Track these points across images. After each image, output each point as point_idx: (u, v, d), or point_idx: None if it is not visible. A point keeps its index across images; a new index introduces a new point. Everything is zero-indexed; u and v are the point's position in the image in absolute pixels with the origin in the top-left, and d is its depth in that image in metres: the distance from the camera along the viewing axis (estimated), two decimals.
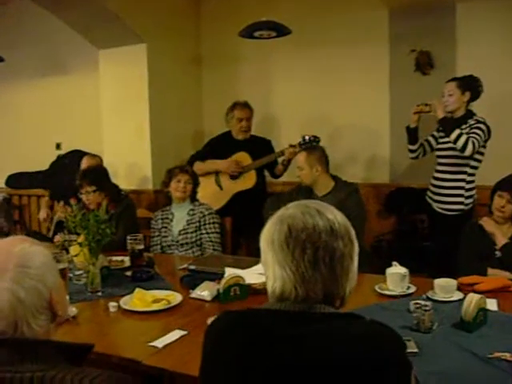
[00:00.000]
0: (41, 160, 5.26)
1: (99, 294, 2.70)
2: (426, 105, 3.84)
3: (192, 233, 3.61)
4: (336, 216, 1.34)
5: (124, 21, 4.30)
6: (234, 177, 4.31)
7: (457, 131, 3.68)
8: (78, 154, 4.78)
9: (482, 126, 3.68)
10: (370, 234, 4.60)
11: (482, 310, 2.16)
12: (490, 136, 3.72)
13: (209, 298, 2.54)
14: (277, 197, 3.88)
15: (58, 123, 5.62)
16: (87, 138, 5.10)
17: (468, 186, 3.80)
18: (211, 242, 3.58)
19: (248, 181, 4.26)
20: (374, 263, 4.48)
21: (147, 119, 4.63)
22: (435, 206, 3.94)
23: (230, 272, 2.70)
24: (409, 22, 4.48)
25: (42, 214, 4.76)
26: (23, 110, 5.88)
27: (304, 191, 3.72)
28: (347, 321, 1.30)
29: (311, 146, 4.04)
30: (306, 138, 4.12)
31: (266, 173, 4.47)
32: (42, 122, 5.76)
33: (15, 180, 5.64)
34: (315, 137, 4.12)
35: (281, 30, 4.12)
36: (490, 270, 3.06)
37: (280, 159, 4.28)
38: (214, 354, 1.35)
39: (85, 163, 4.35)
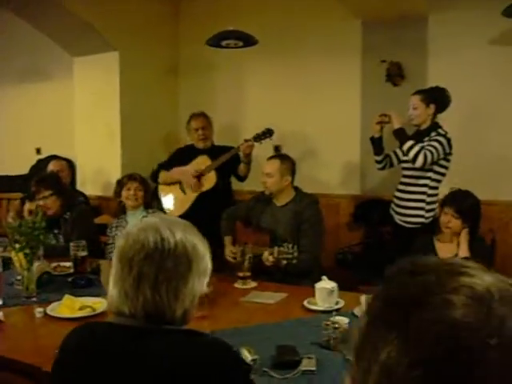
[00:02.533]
0: (22, 164, 5.32)
1: (34, 299, 2.72)
2: (385, 115, 3.84)
3: None
4: (176, 234, 1.33)
5: (97, 29, 4.36)
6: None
7: (409, 143, 3.66)
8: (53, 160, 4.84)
9: (440, 138, 3.63)
10: (339, 246, 4.58)
11: None
12: (450, 149, 3.68)
13: None
14: (235, 207, 3.86)
15: (38, 128, 5.69)
16: (64, 143, 5.14)
17: (429, 200, 3.76)
18: None
19: (208, 182, 4.26)
20: (338, 276, 4.48)
21: (118, 126, 4.68)
22: (397, 218, 3.91)
23: None
24: (381, 33, 4.47)
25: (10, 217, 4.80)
26: (5, 115, 5.96)
27: (262, 201, 3.69)
28: (177, 338, 1.29)
29: (265, 137, 4.07)
30: (260, 131, 4.11)
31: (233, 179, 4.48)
32: (22, 127, 5.84)
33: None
34: (268, 129, 4.10)
35: (247, 40, 4.15)
36: None
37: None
38: (61, 370, 1.36)
39: (50, 168, 4.40)
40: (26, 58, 5.67)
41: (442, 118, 3.99)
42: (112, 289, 1.34)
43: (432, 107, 3.73)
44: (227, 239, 3.69)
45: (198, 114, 4.48)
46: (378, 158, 4.03)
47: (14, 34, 5.47)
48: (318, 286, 2.60)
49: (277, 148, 4.86)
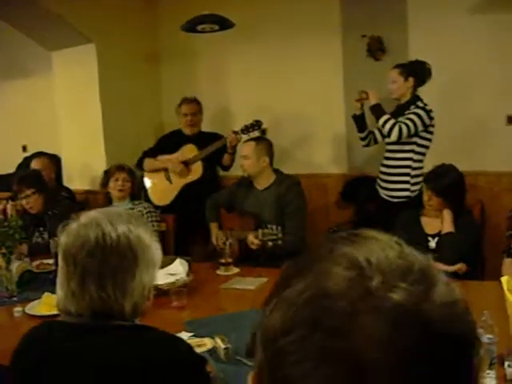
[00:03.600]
0: (8, 163, 5.28)
1: (14, 299, 2.71)
2: (364, 92, 3.82)
3: None
4: (119, 227, 1.30)
5: (69, 22, 4.27)
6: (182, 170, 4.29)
7: (384, 117, 3.66)
8: (43, 156, 4.81)
9: (418, 111, 3.60)
10: (328, 225, 4.54)
11: None
12: (431, 121, 3.63)
13: None
14: (217, 194, 3.84)
15: (23, 125, 5.64)
16: (50, 139, 5.09)
17: (414, 173, 3.73)
18: None
19: (194, 172, 4.24)
20: None
21: (100, 119, 4.61)
22: (382, 193, 3.90)
23: None
24: (360, 8, 4.39)
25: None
26: None
27: (244, 185, 3.68)
28: (122, 334, 1.26)
29: (253, 129, 4.05)
30: (248, 123, 4.07)
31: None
32: (7, 125, 5.78)
33: None
34: (257, 121, 4.09)
35: (223, 24, 4.08)
36: None
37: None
38: (14, 370, 1.35)
39: (32, 166, 4.37)
40: (6, 55, 5.60)
41: (424, 90, 3.95)
42: (59, 289, 1.31)
43: (411, 80, 3.69)
44: (213, 226, 3.69)
45: (189, 100, 4.45)
46: (362, 135, 4.02)
47: None
48: None
49: (263, 131, 4.80)
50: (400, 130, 3.56)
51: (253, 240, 3.22)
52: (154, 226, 3.62)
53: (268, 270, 2.93)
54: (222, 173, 4.53)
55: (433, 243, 3.10)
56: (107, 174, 3.73)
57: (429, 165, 3.53)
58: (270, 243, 3.14)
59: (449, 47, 4.18)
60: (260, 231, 3.19)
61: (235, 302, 2.57)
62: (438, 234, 3.08)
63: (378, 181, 3.94)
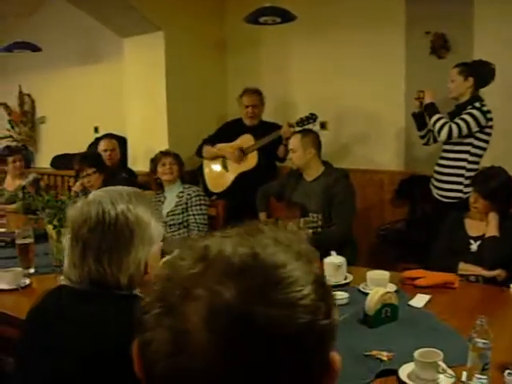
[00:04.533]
0: (81, 143, 5.59)
1: (62, 268, 2.90)
2: (422, 91, 3.79)
3: (179, 214, 3.74)
4: (118, 206, 1.40)
5: (140, 10, 4.47)
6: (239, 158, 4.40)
7: (436, 116, 3.64)
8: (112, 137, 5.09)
9: (473, 111, 3.53)
10: (382, 222, 4.53)
11: (388, 306, 2.12)
12: (487, 122, 3.55)
13: None
14: (268, 185, 3.91)
15: (95, 108, 5.94)
16: (119, 121, 5.34)
17: (468, 174, 3.65)
18: (196, 223, 3.70)
19: (250, 161, 4.35)
20: (380, 253, 4.44)
21: (164, 104, 4.79)
22: (435, 192, 3.86)
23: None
24: (425, 4, 4.31)
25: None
26: (65, 96, 6.27)
27: (293, 176, 3.74)
28: (112, 302, 1.37)
29: (308, 122, 4.08)
30: (304, 115, 4.11)
31: None
32: (81, 107, 6.10)
33: (59, 161, 6.07)
34: (312, 114, 4.13)
35: (285, 16, 4.12)
36: (461, 265, 2.96)
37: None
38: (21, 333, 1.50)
39: (100, 147, 4.62)
40: (82, 42, 5.92)
41: (487, 91, 3.85)
42: (65, 258, 1.44)
43: (470, 80, 3.62)
44: (262, 215, 3.79)
45: (251, 91, 4.54)
46: (421, 133, 4.00)
47: (70, 20, 5.72)
48: (326, 260, 2.61)
49: (322, 124, 4.83)
50: (450, 129, 3.52)
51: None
52: (202, 210, 3.75)
53: None
54: (279, 164, 4.60)
55: (474, 246, 3.04)
56: (154, 161, 3.88)
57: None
58: (310, 231, 3.19)
59: None
60: (302, 220, 3.25)
61: None
62: (481, 238, 3.02)
63: (432, 180, 3.90)
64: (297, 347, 0.59)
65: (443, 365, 1.66)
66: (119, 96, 5.28)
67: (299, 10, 4.22)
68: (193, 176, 4.60)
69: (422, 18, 4.35)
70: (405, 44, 4.46)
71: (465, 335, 1.82)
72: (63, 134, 6.26)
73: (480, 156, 3.69)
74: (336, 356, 0.65)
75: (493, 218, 3.01)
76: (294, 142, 3.62)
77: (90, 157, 4.07)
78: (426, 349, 1.71)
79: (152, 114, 4.92)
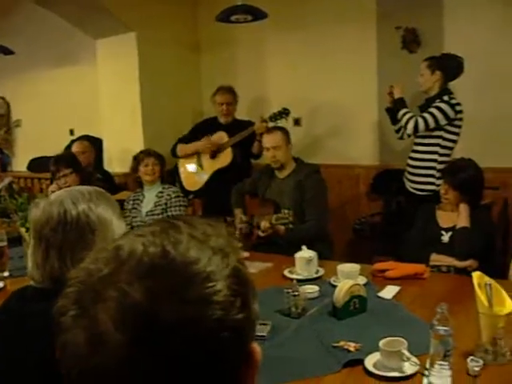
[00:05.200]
0: (57, 145, 5.56)
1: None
2: (393, 86, 3.85)
3: (158, 214, 3.76)
4: (79, 206, 1.41)
5: (111, 11, 4.45)
6: (213, 156, 4.41)
7: (403, 110, 3.71)
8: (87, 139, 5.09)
9: (441, 105, 3.58)
10: (358, 217, 4.57)
11: (357, 298, 2.15)
12: (456, 114, 3.59)
13: None
14: (242, 183, 3.92)
15: (71, 110, 5.91)
16: (95, 123, 5.33)
17: (439, 167, 3.70)
18: None
19: (224, 158, 4.36)
20: (356, 247, 4.49)
21: (138, 105, 4.79)
22: (409, 185, 3.91)
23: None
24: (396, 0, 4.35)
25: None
26: (40, 99, 6.24)
27: (266, 174, 3.75)
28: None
29: (281, 117, 4.10)
30: (276, 111, 4.13)
31: None
32: (57, 109, 6.08)
33: (35, 164, 6.04)
34: (285, 109, 4.14)
35: (256, 14, 4.13)
36: (433, 256, 3.01)
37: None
38: None
39: (73, 149, 4.61)
40: (55, 44, 5.88)
41: (457, 84, 3.90)
42: (29, 259, 1.45)
43: (438, 74, 3.67)
44: (237, 211, 3.77)
45: (225, 89, 4.54)
46: (395, 128, 4.06)
47: (42, 22, 5.69)
48: (297, 255, 2.64)
49: (296, 121, 4.87)
50: (416, 123, 3.59)
51: (265, 226, 3.29)
52: (181, 211, 3.76)
53: (274, 256, 3.01)
54: (254, 160, 4.61)
55: (446, 237, 3.09)
56: (137, 160, 3.88)
57: None
58: (282, 227, 3.22)
59: (485, 40, 4.11)
60: (274, 216, 3.27)
61: None
62: (453, 229, 3.07)
63: (405, 173, 3.95)
64: (209, 342, 0.60)
65: (407, 353, 1.69)
66: (94, 98, 5.26)
67: (271, 8, 4.23)
68: (169, 176, 4.60)
69: (392, 12, 4.40)
70: (376, 39, 4.51)
71: (449, 326, 1.86)
72: (39, 137, 6.24)
73: (451, 148, 3.74)
74: (256, 348, 0.67)
75: (463, 209, 3.06)
76: (277, 139, 3.56)
77: (66, 157, 4.07)
78: (390, 338, 1.74)
79: (127, 115, 4.91)
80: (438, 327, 1.58)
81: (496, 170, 4.15)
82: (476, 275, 1.81)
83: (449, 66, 3.69)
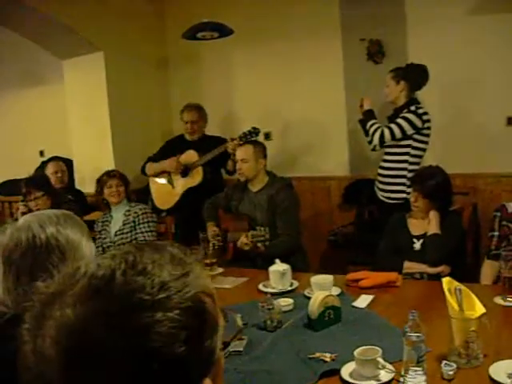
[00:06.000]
0: (27, 167, 5.48)
1: None
2: (362, 99, 3.90)
3: (127, 233, 3.73)
4: (47, 229, 1.40)
5: (77, 32, 4.43)
6: (184, 174, 4.40)
7: (370, 122, 3.77)
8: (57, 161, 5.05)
9: (408, 115, 3.64)
10: (332, 228, 4.60)
11: (331, 309, 2.16)
12: (424, 124, 3.65)
13: None
14: (215, 197, 3.92)
15: (40, 131, 5.87)
16: (64, 144, 5.28)
17: (410, 175, 3.72)
18: (145, 240, 3.68)
19: (195, 177, 4.35)
20: (331, 258, 4.51)
21: (108, 125, 4.77)
22: (380, 194, 3.95)
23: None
24: (359, 11, 4.43)
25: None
26: (7, 120, 6.18)
27: (239, 188, 3.76)
28: None
29: (251, 136, 4.10)
30: (246, 130, 4.14)
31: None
32: (25, 131, 6.02)
33: (6, 187, 5.94)
34: (255, 128, 4.15)
35: (222, 31, 4.17)
36: (406, 264, 3.04)
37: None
38: None
39: (48, 169, 4.58)
40: (21, 64, 5.85)
41: (424, 93, 3.97)
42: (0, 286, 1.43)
43: (402, 84, 3.74)
44: (210, 225, 3.73)
45: (190, 107, 4.56)
46: (368, 139, 4.06)
47: (7, 42, 5.64)
48: (271, 268, 2.65)
49: (267, 135, 4.89)
50: (382, 134, 3.66)
51: (243, 241, 3.29)
52: (150, 227, 3.75)
53: (248, 270, 3.01)
54: (226, 176, 4.61)
55: (418, 244, 3.12)
56: (100, 183, 3.86)
57: None
58: (259, 244, 3.21)
59: (448, 49, 4.20)
60: (250, 233, 3.26)
61: None
62: (424, 236, 3.10)
63: (376, 183, 3.99)
64: (138, 371, 0.60)
65: (382, 361, 1.71)
66: (63, 118, 5.22)
67: (237, 23, 4.30)
68: (140, 194, 4.58)
69: (356, 25, 4.48)
70: (342, 51, 4.57)
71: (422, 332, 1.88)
72: (8, 159, 6.14)
73: (420, 156, 3.79)
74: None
75: (433, 216, 3.10)
76: (247, 152, 3.61)
77: (38, 180, 4.03)
78: (365, 347, 1.75)
79: (96, 135, 4.89)
80: (410, 334, 1.60)
81: (465, 176, 4.25)
82: (446, 281, 1.84)
83: (412, 76, 3.75)
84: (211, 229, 3.66)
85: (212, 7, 4.78)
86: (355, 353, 1.72)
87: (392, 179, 3.82)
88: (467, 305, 1.78)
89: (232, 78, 5.15)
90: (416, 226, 3.19)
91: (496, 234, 2.87)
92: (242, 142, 4.02)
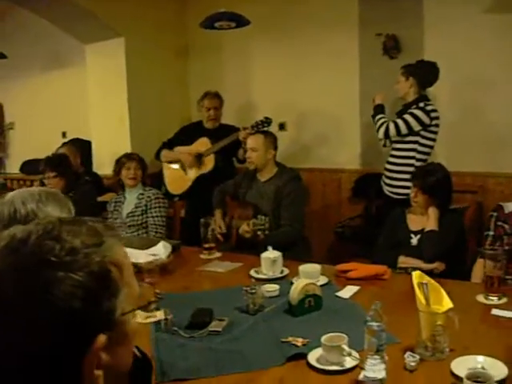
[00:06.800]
0: (50, 148, 5.65)
1: None
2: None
3: (139, 215, 3.84)
4: (28, 205, 1.51)
5: (100, 17, 4.57)
6: (197, 161, 4.49)
7: (378, 116, 3.80)
8: (76, 142, 5.21)
9: (415, 111, 3.66)
10: (340, 220, 4.65)
11: (311, 296, 2.22)
12: (431, 121, 3.66)
13: None
14: (224, 184, 4.00)
15: (63, 113, 6.05)
16: (86, 126, 5.42)
17: None
18: (155, 224, 3.79)
19: (207, 164, 4.45)
20: (337, 250, 4.55)
21: (126, 109, 4.90)
22: (386, 189, 3.98)
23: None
24: (377, 5, 4.44)
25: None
26: (32, 102, 6.37)
27: (248, 176, 3.84)
28: None
29: (263, 126, 4.14)
30: (258, 120, 4.20)
31: None
32: (48, 112, 6.21)
33: (28, 166, 6.15)
34: (267, 118, 4.19)
35: (239, 21, 4.23)
36: (401, 258, 3.07)
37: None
38: None
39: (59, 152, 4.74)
40: (46, 48, 6.02)
41: (436, 91, 3.98)
42: None
43: (411, 80, 3.75)
44: (217, 212, 3.84)
45: (212, 94, 4.63)
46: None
47: (34, 27, 5.80)
48: (263, 255, 2.72)
49: (281, 125, 4.95)
50: (387, 128, 3.69)
51: (244, 229, 3.37)
52: (161, 212, 3.85)
53: (245, 256, 3.09)
54: (237, 164, 4.69)
55: (415, 240, 3.15)
56: (119, 164, 3.96)
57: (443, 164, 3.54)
58: (259, 232, 3.28)
59: (463, 48, 4.20)
60: (251, 221, 3.34)
61: (203, 282, 2.76)
62: (421, 232, 3.13)
63: (383, 177, 4.02)
64: (42, 321, 0.72)
65: (347, 348, 1.77)
66: (85, 101, 5.36)
67: (256, 15, 4.35)
68: (155, 179, 4.69)
69: (373, 19, 4.50)
70: (358, 46, 4.60)
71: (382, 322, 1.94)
72: (32, 139, 6.35)
73: (427, 153, 3.81)
74: (100, 339, 0.77)
75: (432, 212, 3.12)
76: (257, 141, 3.69)
77: (53, 160, 4.16)
78: (332, 334, 1.81)
79: (115, 119, 5.02)
80: (371, 323, 1.66)
81: (475, 175, 4.24)
82: (416, 275, 1.89)
83: (422, 73, 3.76)
84: (217, 217, 3.76)
85: None
86: (322, 339, 1.78)
87: (398, 174, 3.84)
88: (435, 299, 1.82)
89: (249, 69, 5.22)
90: (415, 221, 3.22)
91: (491, 233, 2.88)
92: (253, 131, 4.09)
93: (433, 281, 1.88)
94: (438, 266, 3.00)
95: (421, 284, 1.84)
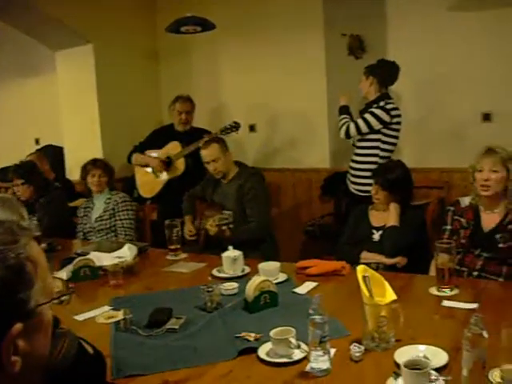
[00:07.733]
0: (23, 154, 5.66)
1: None
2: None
3: (107, 219, 3.88)
4: None
5: (67, 24, 4.59)
6: (167, 165, 4.54)
7: (341, 116, 3.91)
8: (49, 149, 5.24)
9: (375, 110, 3.75)
10: (310, 218, 4.71)
11: (267, 293, 2.27)
12: (392, 119, 3.74)
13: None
14: (193, 190, 4.06)
15: (35, 120, 6.07)
16: (59, 133, 5.44)
17: None
18: (123, 227, 3.84)
19: (178, 167, 4.50)
20: (308, 248, 4.62)
21: (97, 115, 4.94)
22: (351, 187, 4.06)
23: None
24: (341, 6, 4.52)
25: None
26: (5, 109, 6.38)
27: (212, 180, 3.89)
28: None
29: (231, 131, 4.20)
30: (227, 124, 4.25)
31: None
32: (21, 119, 6.23)
33: (1, 174, 6.13)
34: (236, 122, 4.25)
35: (205, 25, 4.28)
36: (364, 254, 3.14)
37: None
38: None
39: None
40: (18, 55, 6.04)
41: (400, 88, 4.06)
42: None
43: (371, 79, 3.83)
44: (187, 218, 3.92)
45: (184, 98, 4.67)
46: None
47: (3, 35, 5.81)
48: (224, 254, 2.77)
49: (252, 127, 5.01)
50: (347, 128, 3.77)
51: (210, 224, 3.46)
52: (129, 215, 3.90)
53: (209, 256, 3.14)
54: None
55: (377, 235, 3.22)
56: (85, 170, 4.00)
57: (410, 161, 3.62)
58: (225, 227, 3.35)
59: (426, 46, 4.29)
60: (216, 217, 3.43)
61: (167, 282, 2.80)
62: (383, 227, 3.20)
63: (348, 175, 4.09)
64: None
65: (294, 341, 1.82)
66: (57, 107, 5.38)
67: (225, 18, 4.42)
68: (128, 183, 4.73)
69: (338, 19, 4.56)
70: (324, 46, 4.66)
71: (338, 316, 2.04)
72: (5, 146, 6.34)
73: (390, 151, 3.89)
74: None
75: (393, 208, 3.20)
76: (214, 152, 3.72)
77: (22, 168, 4.18)
78: (281, 328, 1.87)
79: (86, 125, 5.05)
80: (314, 316, 1.72)
81: (441, 170, 4.33)
82: (360, 268, 1.95)
83: (382, 72, 3.86)
84: (187, 223, 3.86)
85: (201, 1, 4.88)
86: (271, 333, 1.84)
87: (362, 172, 3.92)
88: (378, 291, 1.88)
89: (219, 72, 5.27)
90: (377, 217, 3.29)
91: (448, 227, 2.95)
92: (223, 137, 4.12)
93: (377, 274, 1.94)
94: (399, 260, 3.07)
95: (364, 277, 1.90)
